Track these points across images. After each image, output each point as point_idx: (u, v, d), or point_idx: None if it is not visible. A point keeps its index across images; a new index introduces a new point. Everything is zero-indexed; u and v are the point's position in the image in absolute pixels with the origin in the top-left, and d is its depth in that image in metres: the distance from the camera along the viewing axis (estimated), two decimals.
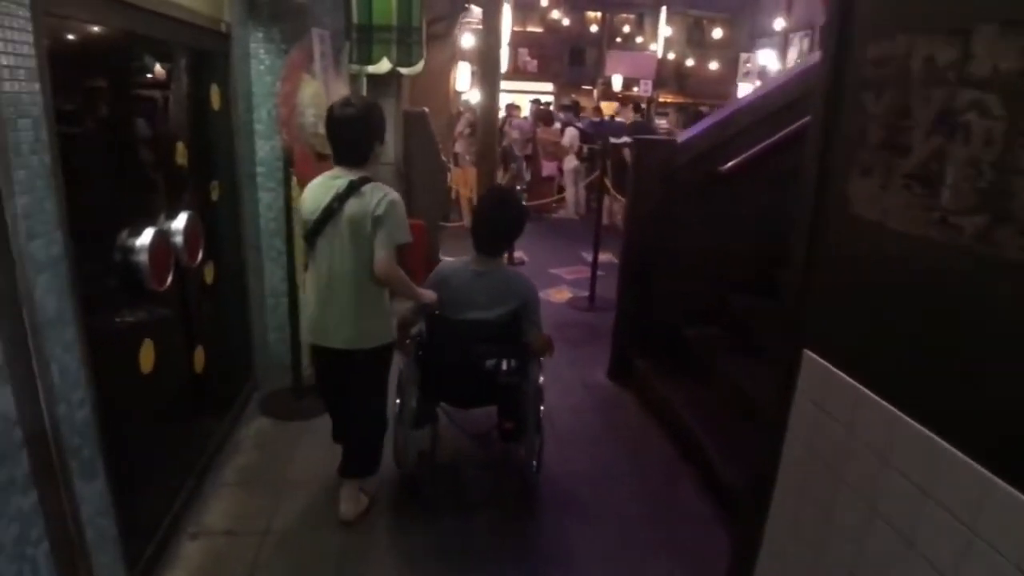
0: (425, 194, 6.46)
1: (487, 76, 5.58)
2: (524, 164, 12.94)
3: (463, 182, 10.04)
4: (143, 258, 2.40)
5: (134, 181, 2.53)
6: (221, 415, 3.57)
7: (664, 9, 25.98)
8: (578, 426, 4.04)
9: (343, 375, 2.82)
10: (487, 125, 6.23)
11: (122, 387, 2.38)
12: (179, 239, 2.73)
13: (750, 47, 27.20)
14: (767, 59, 19.64)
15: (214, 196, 3.37)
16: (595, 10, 25.05)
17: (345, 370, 2.80)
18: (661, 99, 25.38)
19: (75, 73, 2.10)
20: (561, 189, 11.73)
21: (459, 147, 13.24)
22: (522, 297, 2.93)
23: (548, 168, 11.45)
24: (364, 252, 2.63)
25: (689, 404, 3.88)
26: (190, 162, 2.97)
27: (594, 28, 25.07)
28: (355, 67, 4.98)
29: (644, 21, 26.98)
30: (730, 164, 4.27)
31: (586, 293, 6.54)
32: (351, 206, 2.60)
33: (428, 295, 2.89)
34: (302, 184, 3.95)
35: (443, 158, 6.76)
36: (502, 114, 10.66)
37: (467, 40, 16.66)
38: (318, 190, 2.70)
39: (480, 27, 19.00)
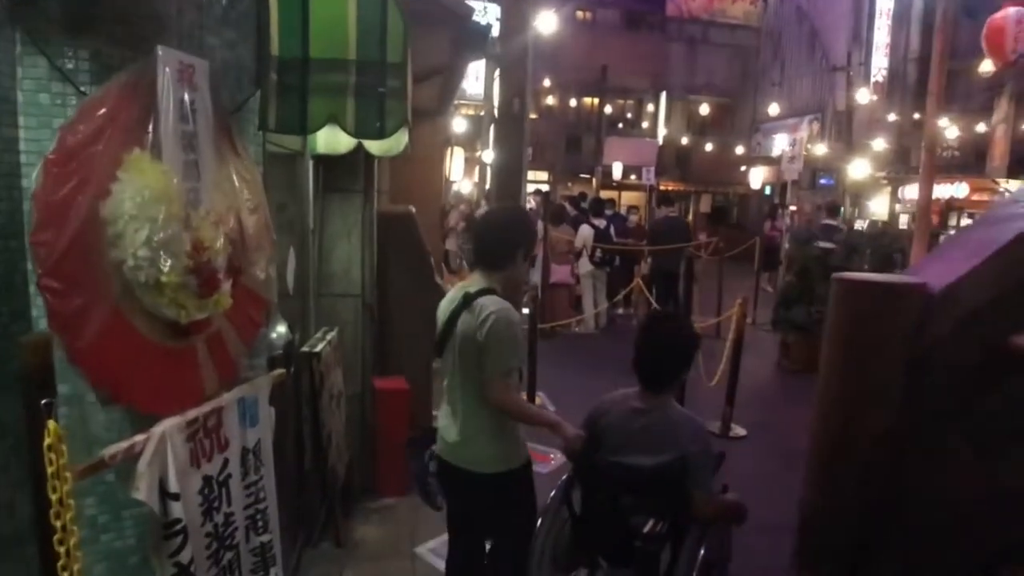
0: (409, 333, 4.22)
1: (509, 134, 3.54)
2: (531, 267, 10.88)
3: None
4: None
5: None
6: None
7: (664, 94, 24.76)
8: None
9: (466, 501, 2.63)
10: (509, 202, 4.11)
11: None
12: None
13: (752, 132, 26.06)
14: (783, 141, 18.09)
15: None
16: (592, 95, 23.67)
17: (467, 494, 2.60)
18: (663, 187, 23.87)
19: None
20: (577, 299, 9.60)
21: (451, 244, 11.22)
22: (682, 448, 2.41)
23: (559, 273, 9.28)
24: (472, 374, 2.44)
25: None
26: None
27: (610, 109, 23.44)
28: (288, 143, 2.83)
29: (643, 106, 25.72)
30: None
31: None
32: (462, 323, 2.44)
33: (568, 428, 2.52)
34: (120, 397, 1.73)
35: (437, 278, 4.54)
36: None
37: (459, 124, 14.98)
38: (448, 299, 2.58)
39: (472, 112, 17.28)
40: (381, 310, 3.99)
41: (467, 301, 2.42)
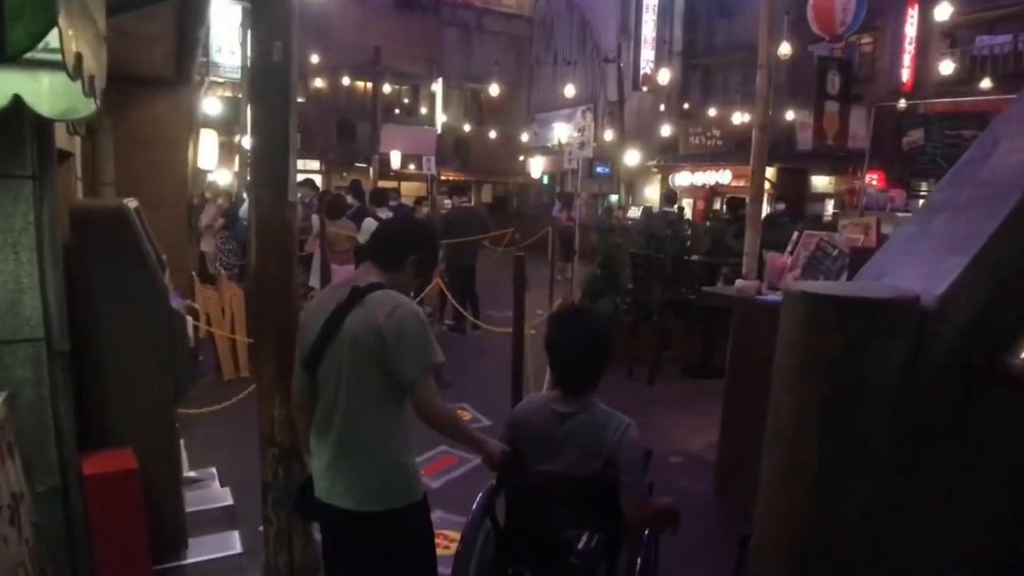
0: (134, 382, 2.96)
1: (269, 93, 2.59)
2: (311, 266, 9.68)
3: (214, 307, 6.38)
4: None
5: None
6: None
7: (440, 80, 24.05)
8: None
9: (352, 553, 2.23)
10: (273, 204, 3.08)
11: None
12: None
13: (528, 121, 26.28)
14: (560, 131, 18.21)
15: None
16: (365, 79, 22.25)
17: (354, 545, 2.21)
18: (443, 177, 23.30)
19: None
20: None
21: (206, 246, 9.63)
22: (611, 452, 2.28)
23: (342, 273, 8.19)
24: (370, 381, 2.11)
25: None
26: None
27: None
28: None
29: (420, 92, 24.85)
30: None
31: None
32: (353, 322, 2.12)
33: (492, 445, 2.30)
34: None
35: (175, 303, 3.27)
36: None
37: (213, 106, 13.04)
38: (322, 301, 2.26)
39: (229, 93, 15.27)
40: (83, 355, 2.68)
41: (356, 296, 2.14)
